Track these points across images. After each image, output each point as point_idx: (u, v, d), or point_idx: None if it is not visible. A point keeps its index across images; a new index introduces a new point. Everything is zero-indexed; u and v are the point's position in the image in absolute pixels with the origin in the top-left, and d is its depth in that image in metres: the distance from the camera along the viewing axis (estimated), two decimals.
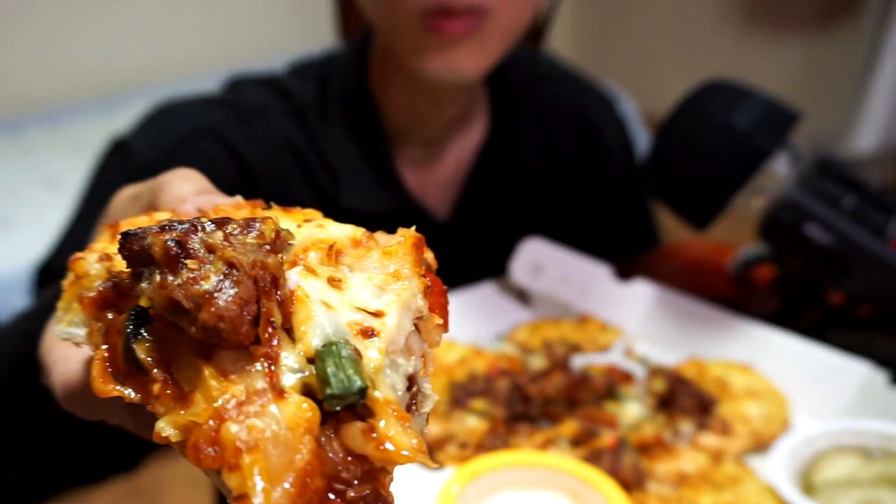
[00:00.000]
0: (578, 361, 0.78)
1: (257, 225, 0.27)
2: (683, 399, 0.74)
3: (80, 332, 0.30)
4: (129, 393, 0.27)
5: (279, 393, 0.26)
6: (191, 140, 0.86)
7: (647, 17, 4.23)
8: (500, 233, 1.01)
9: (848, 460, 0.66)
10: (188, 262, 0.26)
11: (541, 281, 0.93)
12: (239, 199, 0.36)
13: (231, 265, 0.26)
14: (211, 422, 0.25)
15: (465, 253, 1.00)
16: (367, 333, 0.28)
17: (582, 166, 1.08)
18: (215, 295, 0.25)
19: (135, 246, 0.27)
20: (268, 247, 0.27)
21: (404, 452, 0.26)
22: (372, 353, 0.27)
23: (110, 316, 0.28)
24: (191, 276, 0.26)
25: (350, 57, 0.93)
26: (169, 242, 0.26)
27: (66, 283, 0.32)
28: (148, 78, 3.45)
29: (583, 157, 1.08)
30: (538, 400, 0.73)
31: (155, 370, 0.27)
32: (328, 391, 0.26)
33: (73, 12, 3.35)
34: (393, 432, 0.26)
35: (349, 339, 0.27)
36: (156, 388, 0.27)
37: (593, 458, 0.66)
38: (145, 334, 0.27)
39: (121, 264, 0.29)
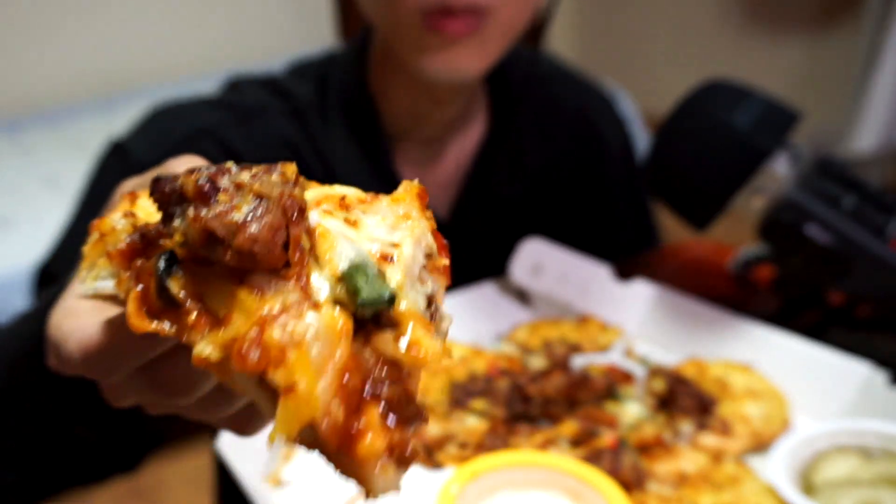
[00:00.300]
0: (578, 361, 0.78)
1: (279, 167, 0.30)
2: (683, 399, 0.74)
3: (109, 283, 0.32)
4: (165, 326, 0.29)
5: (314, 304, 0.28)
6: (189, 141, 0.87)
7: (646, 18, 4.23)
8: (499, 233, 1.01)
9: (848, 460, 0.66)
10: (220, 195, 0.28)
11: (541, 281, 0.93)
12: None
13: (260, 197, 0.28)
14: (253, 330, 0.26)
15: (465, 253, 1.00)
16: (387, 258, 0.30)
17: (582, 166, 1.08)
18: (248, 222, 0.27)
19: (166, 188, 0.28)
20: (291, 184, 0.29)
21: (432, 354, 0.28)
22: (393, 272, 0.30)
23: (139, 262, 0.30)
24: (223, 208, 0.28)
25: (349, 57, 0.93)
26: (200, 181, 0.28)
27: (87, 245, 0.33)
28: (148, 78, 3.45)
29: (583, 156, 1.08)
30: (538, 400, 0.73)
31: (189, 302, 0.28)
32: (360, 299, 0.28)
33: (74, 12, 3.35)
34: (421, 337, 0.28)
35: (372, 263, 0.30)
36: (191, 318, 0.28)
37: (593, 458, 0.66)
38: (175, 273, 0.29)
39: (144, 220, 0.31)
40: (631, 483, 0.65)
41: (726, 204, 0.78)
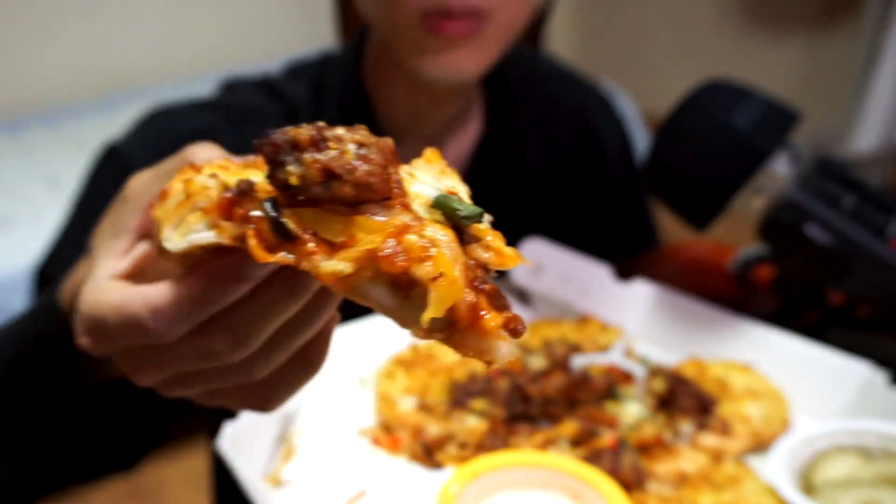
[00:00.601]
0: (578, 361, 0.78)
1: (357, 128, 0.35)
2: (683, 399, 0.74)
3: (208, 234, 0.35)
4: (285, 255, 0.33)
5: (419, 220, 0.33)
6: (182, 144, 0.87)
7: (646, 18, 4.23)
8: (499, 232, 1.01)
9: (848, 460, 0.66)
10: (330, 143, 0.33)
11: (541, 281, 0.93)
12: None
13: (360, 144, 0.34)
14: (389, 240, 0.32)
15: None
16: (454, 194, 0.36)
17: (580, 165, 1.08)
18: (359, 163, 0.33)
19: (278, 140, 0.34)
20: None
21: (511, 257, 0.35)
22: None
23: (241, 211, 0.34)
24: (335, 153, 0.33)
25: (345, 57, 0.93)
26: (311, 132, 0.34)
27: (170, 205, 0.37)
28: (148, 78, 3.45)
29: (581, 156, 1.08)
30: (538, 400, 0.73)
31: (305, 234, 0.33)
32: (463, 215, 0.34)
33: (74, 12, 3.35)
34: (501, 245, 0.35)
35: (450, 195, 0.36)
36: (309, 246, 0.33)
37: (593, 458, 0.66)
38: (283, 214, 0.34)
39: (225, 180, 0.36)
40: (631, 483, 0.65)
41: (726, 204, 0.78)
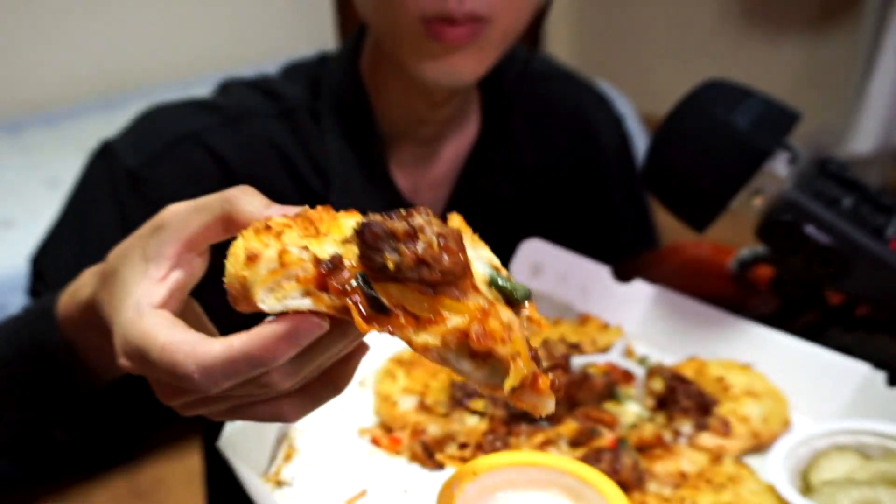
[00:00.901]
0: (578, 361, 0.78)
1: (423, 211, 0.42)
2: (683, 399, 0.74)
3: (304, 301, 0.40)
4: (382, 327, 0.40)
5: (492, 304, 0.41)
6: (174, 145, 0.87)
7: (644, 19, 4.22)
8: (493, 233, 1.01)
9: (847, 460, 0.66)
10: (420, 235, 0.40)
11: (540, 281, 0.93)
12: (306, 207, 0.46)
13: (441, 235, 0.40)
14: (475, 324, 0.39)
15: None
16: (497, 268, 0.44)
17: (577, 165, 1.08)
18: (442, 253, 0.40)
19: (378, 231, 0.40)
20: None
21: (546, 323, 0.44)
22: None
23: (334, 284, 0.40)
24: (424, 244, 0.40)
25: (342, 58, 0.93)
26: (406, 226, 0.40)
27: (263, 270, 0.41)
28: (149, 79, 3.45)
29: (578, 156, 1.08)
30: None
31: (395, 309, 0.40)
32: (519, 295, 0.43)
33: (74, 13, 3.35)
34: (535, 312, 0.44)
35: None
36: (400, 320, 0.40)
37: (593, 458, 0.66)
38: (373, 289, 0.40)
39: (314, 253, 0.41)
40: (631, 483, 0.65)
41: (726, 204, 0.78)
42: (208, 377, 0.42)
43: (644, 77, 4.08)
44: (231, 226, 0.48)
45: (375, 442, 0.74)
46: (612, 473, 0.64)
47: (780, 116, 0.79)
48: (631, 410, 0.75)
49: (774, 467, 0.64)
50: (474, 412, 0.75)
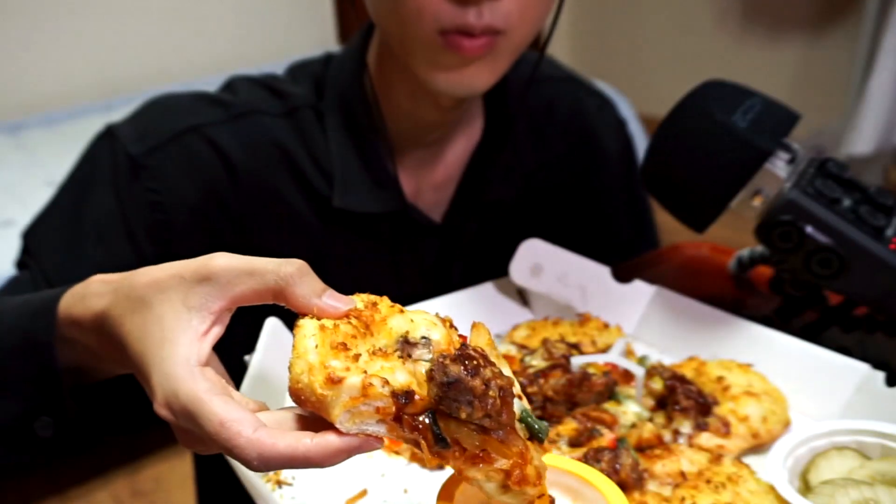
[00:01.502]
0: (578, 361, 0.78)
1: (491, 366, 0.48)
2: (683, 399, 0.74)
3: (380, 428, 0.46)
4: (442, 460, 0.47)
5: (527, 447, 0.48)
6: (178, 137, 0.87)
7: (643, 21, 4.23)
8: (495, 235, 1.01)
9: (846, 460, 0.66)
10: (490, 392, 0.46)
11: (540, 281, 0.93)
12: (355, 302, 0.50)
13: (501, 388, 0.47)
14: (517, 468, 0.47)
15: (459, 255, 1.00)
16: (521, 397, 0.51)
17: (579, 169, 1.08)
18: (502, 406, 0.47)
19: (461, 388, 0.46)
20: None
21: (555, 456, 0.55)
22: (525, 404, 0.52)
23: (407, 418, 0.46)
24: (493, 401, 0.46)
25: (348, 59, 0.93)
26: (481, 385, 0.46)
27: (345, 395, 0.45)
28: (149, 81, 3.45)
29: (580, 159, 1.08)
30: (538, 400, 0.74)
31: (453, 444, 0.46)
32: (542, 434, 0.50)
33: (76, 15, 3.35)
34: (548, 446, 0.55)
35: (527, 408, 0.51)
36: (456, 453, 0.47)
37: (593, 458, 0.66)
38: (437, 425, 0.47)
39: (394, 387, 0.46)
40: (630, 483, 0.65)
41: (725, 205, 0.78)
42: (265, 465, 0.45)
43: (643, 78, 4.08)
44: (280, 299, 0.49)
45: None
46: (612, 473, 0.64)
47: (780, 117, 0.79)
48: (631, 410, 0.75)
49: (774, 467, 0.64)
50: None
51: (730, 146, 0.76)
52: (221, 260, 0.49)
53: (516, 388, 0.50)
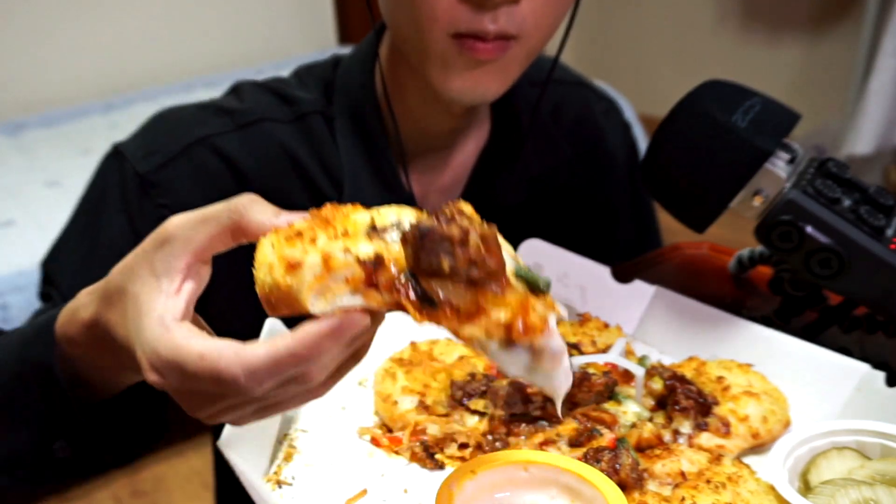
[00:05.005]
0: (578, 361, 0.78)
1: (460, 213, 0.45)
2: (683, 399, 0.74)
3: (355, 300, 0.43)
4: (433, 317, 0.43)
5: (527, 297, 0.45)
6: (185, 150, 0.87)
7: (644, 20, 4.22)
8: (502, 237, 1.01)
9: (846, 460, 0.66)
10: (470, 239, 0.43)
11: None
12: (313, 210, 0.48)
13: (484, 237, 0.44)
14: (519, 320, 0.43)
15: None
16: (515, 257, 0.48)
17: (584, 172, 1.08)
18: (486, 252, 0.43)
19: (436, 237, 0.43)
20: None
21: (555, 304, 0.48)
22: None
23: (384, 281, 0.43)
24: (474, 248, 0.43)
25: (357, 61, 0.93)
26: (459, 231, 0.43)
27: (308, 276, 0.43)
28: (150, 81, 3.45)
29: (585, 162, 1.08)
30: (538, 400, 0.74)
31: (444, 305, 0.43)
32: (544, 285, 0.46)
33: (76, 15, 3.35)
34: (551, 299, 0.47)
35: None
36: (448, 312, 0.43)
37: (593, 458, 0.66)
38: (419, 286, 0.43)
39: (356, 254, 0.44)
40: (630, 483, 0.65)
41: (725, 205, 0.78)
42: (254, 379, 0.43)
43: (643, 78, 4.08)
44: (239, 235, 0.49)
45: (375, 442, 0.74)
46: (612, 473, 0.64)
47: (780, 117, 0.79)
48: (631, 410, 0.75)
49: (774, 467, 0.64)
50: (474, 412, 0.75)
51: (730, 146, 0.76)
52: (175, 220, 0.50)
53: (508, 250, 0.47)
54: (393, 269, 0.43)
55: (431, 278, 0.43)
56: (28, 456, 0.64)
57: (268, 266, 0.44)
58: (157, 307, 0.47)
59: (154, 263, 0.49)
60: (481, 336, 0.44)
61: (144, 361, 0.47)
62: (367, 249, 0.44)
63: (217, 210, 0.49)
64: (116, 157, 0.88)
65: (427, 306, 0.44)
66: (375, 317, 0.46)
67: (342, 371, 0.50)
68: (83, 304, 0.57)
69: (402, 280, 0.43)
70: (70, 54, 3.29)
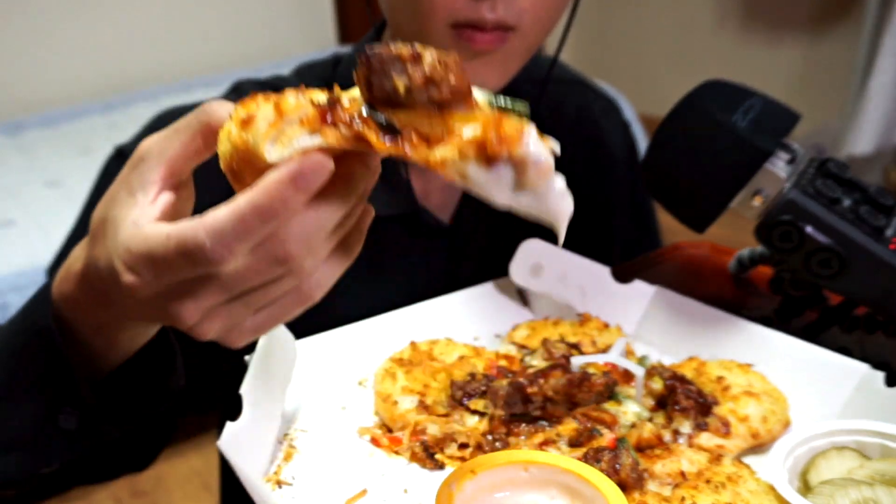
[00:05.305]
0: (578, 361, 0.78)
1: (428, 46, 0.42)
2: (683, 399, 0.74)
3: (313, 139, 0.40)
4: (400, 145, 0.40)
5: (499, 115, 0.42)
6: None
7: (644, 20, 4.22)
8: (502, 236, 1.01)
9: (846, 460, 0.66)
10: (424, 57, 0.40)
11: (541, 281, 0.93)
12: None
13: (441, 60, 0.41)
14: (492, 132, 0.40)
15: (469, 256, 1.00)
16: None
17: (584, 170, 1.08)
18: (449, 72, 0.41)
19: (385, 56, 0.40)
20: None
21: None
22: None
23: (341, 115, 0.40)
24: (430, 65, 0.40)
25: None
26: (410, 49, 0.41)
27: (261, 127, 0.41)
28: (150, 81, 3.45)
29: (585, 161, 1.08)
30: (538, 400, 0.74)
31: (410, 133, 0.40)
32: (518, 109, 0.44)
33: (76, 15, 3.35)
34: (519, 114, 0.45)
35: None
36: (413, 138, 0.40)
37: (593, 458, 0.66)
38: (380, 115, 0.40)
39: (311, 97, 0.42)
40: (630, 483, 0.65)
41: (725, 205, 0.78)
42: (220, 242, 0.41)
43: (643, 78, 4.08)
44: (211, 137, 0.47)
45: (375, 442, 0.74)
46: (612, 473, 0.64)
47: (780, 117, 0.79)
48: (631, 410, 0.75)
49: (774, 467, 0.65)
50: (474, 412, 0.75)
51: (730, 146, 0.76)
52: (149, 138, 0.49)
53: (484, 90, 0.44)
54: (349, 105, 0.41)
55: (392, 108, 0.41)
56: (34, 431, 0.62)
57: (226, 134, 0.43)
58: (132, 215, 0.46)
59: (131, 183, 0.48)
60: (455, 157, 0.40)
61: (119, 264, 0.45)
62: (322, 97, 0.42)
63: (186, 118, 0.48)
64: (118, 158, 0.88)
65: (390, 136, 0.40)
66: (355, 176, 0.43)
67: (333, 268, 0.47)
68: (76, 257, 0.56)
69: (362, 113, 0.41)
70: (70, 54, 3.28)
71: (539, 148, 0.42)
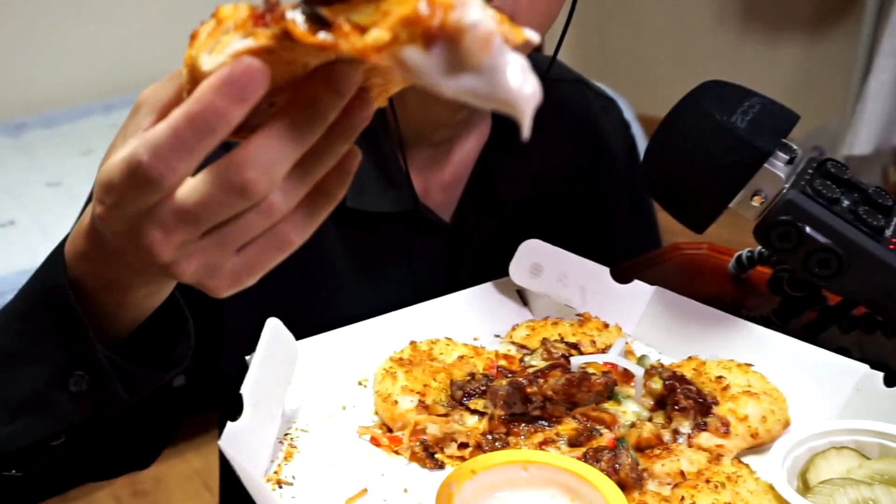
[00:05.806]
0: (578, 361, 0.78)
1: None
2: (682, 399, 0.74)
3: (244, 42, 0.38)
4: (325, 35, 0.37)
5: None
6: None
7: (643, 21, 4.22)
8: (503, 235, 1.01)
9: (845, 460, 0.67)
10: None
11: (540, 281, 0.94)
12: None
13: None
14: (422, 2, 0.34)
15: (469, 254, 1.00)
16: None
17: (584, 170, 1.08)
18: None
19: None
20: None
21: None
22: None
23: (277, 16, 0.38)
24: None
25: None
26: None
27: (204, 31, 0.40)
28: (150, 81, 3.43)
29: (585, 160, 1.08)
30: (538, 400, 0.74)
31: (339, 18, 0.36)
32: None
33: (76, 15, 3.34)
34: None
35: None
36: (346, 28, 0.36)
37: (592, 458, 0.66)
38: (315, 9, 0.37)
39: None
40: (630, 482, 0.66)
41: (725, 206, 0.79)
42: (157, 156, 0.39)
43: (643, 78, 4.08)
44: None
45: (375, 442, 0.74)
46: (612, 473, 0.64)
47: (779, 117, 0.79)
48: (630, 410, 0.75)
49: (773, 467, 0.65)
50: (474, 412, 0.75)
51: (729, 146, 0.76)
52: (147, 89, 0.49)
53: None
54: (284, 6, 0.38)
55: (330, 4, 0.37)
56: (44, 392, 0.60)
57: (185, 58, 0.41)
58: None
59: (126, 131, 0.48)
60: (386, 40, 0.35)
61: (94, 199, 0.45)
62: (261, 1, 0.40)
63: (177, 72, 0.47)
64: None
65: (320, 26, 0.37)
66: (320, 99, 0.40)
67: (313, 212, 0.45)
68: (86, 214, 0.56)
69: (297, 11, 0.38)
70: (70, 54, 3.28)
71: (478, 13, 0.35)
